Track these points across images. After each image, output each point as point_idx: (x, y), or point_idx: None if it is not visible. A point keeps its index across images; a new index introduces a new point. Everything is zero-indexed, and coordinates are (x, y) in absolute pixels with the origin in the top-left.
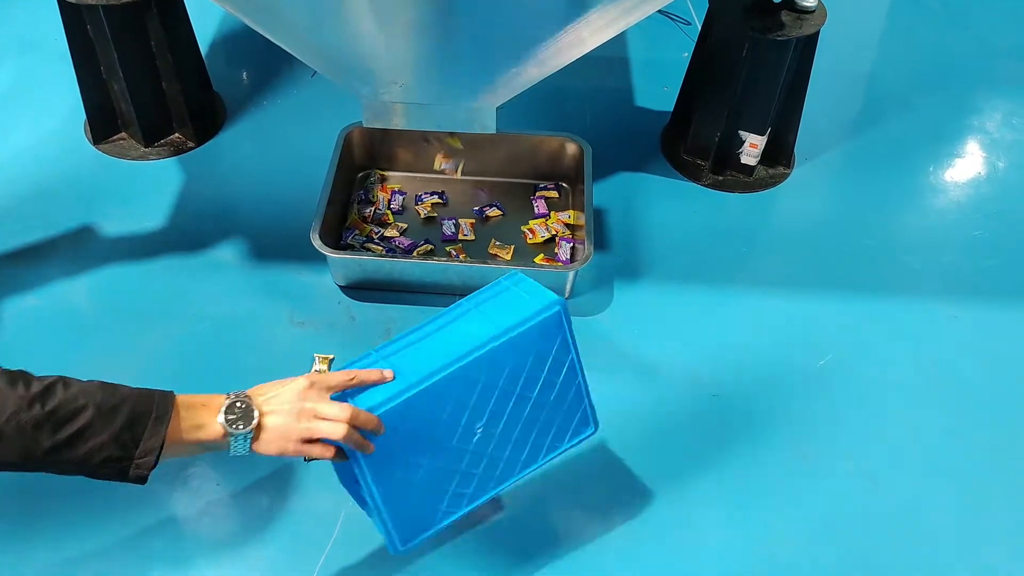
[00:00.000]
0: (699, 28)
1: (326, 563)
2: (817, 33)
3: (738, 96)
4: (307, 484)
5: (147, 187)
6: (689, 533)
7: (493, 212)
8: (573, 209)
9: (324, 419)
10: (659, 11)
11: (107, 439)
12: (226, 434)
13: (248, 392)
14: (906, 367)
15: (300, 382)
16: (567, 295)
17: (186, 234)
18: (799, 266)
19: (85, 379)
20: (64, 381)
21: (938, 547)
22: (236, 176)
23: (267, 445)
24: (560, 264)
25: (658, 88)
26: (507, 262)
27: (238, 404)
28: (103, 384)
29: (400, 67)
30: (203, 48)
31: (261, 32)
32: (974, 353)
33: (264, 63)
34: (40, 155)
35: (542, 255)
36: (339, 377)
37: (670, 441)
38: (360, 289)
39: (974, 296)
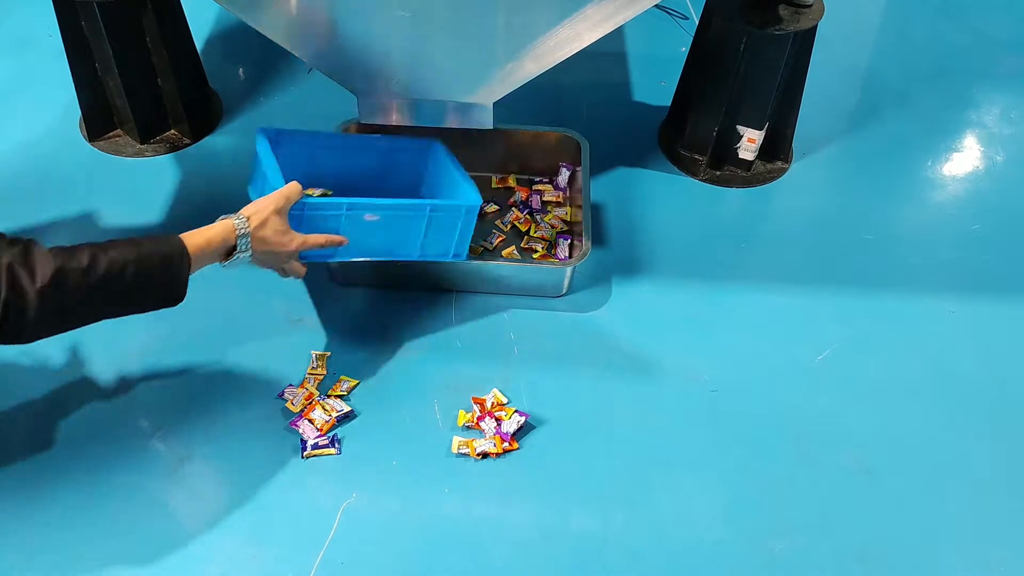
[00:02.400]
0: (696, 23)
1: (323, 561)
2: (815, 27)
3: (736, 91)
4: (306, 481)
5: (143, 184)
6: (687, 529)
7: (490, 208)
8: (570, 206)
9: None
10: (656, 6)
11: (151, 289)
12: (235, 231)
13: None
14: (904, 362)
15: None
16: (564, 291)
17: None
18: (797, 261)
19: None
20: (93, 249)
21: (937, 541)
22: (232, 173)
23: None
24: (557, 260)
25: (655, 83)
26: (504, 259)
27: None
28: (120, 247)
29: (395, 62)
30: (199, 44)
31: (256, 28)
32: (972, 347)
33: (260, 59)
34: (35, 153)
35: (540, 251)
36: (318, 239)
37: (669, 437)
38: (357, 287)
39: (972, 291)
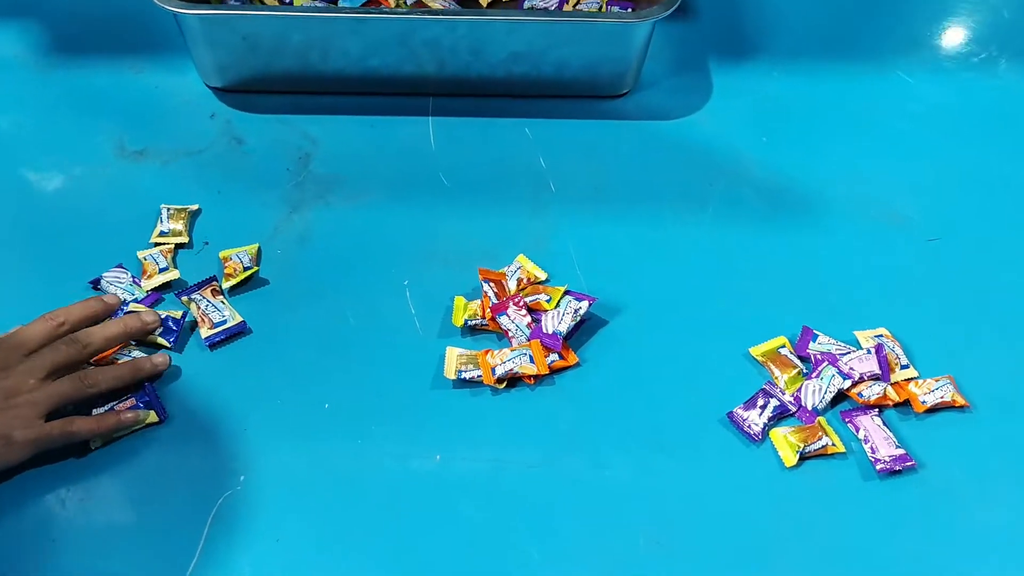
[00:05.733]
0: None
1: None
2: None
3: None
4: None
5: None
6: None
7: None
8: None
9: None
10: None
11: None
12: None
13: None
14: None
15: None
16: (632, 85)
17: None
18: (996, 28)
19: None
20: None
21: None
22: None
23: None
24: (628, 12)
25: None
26: (526, 12)
27: None
28: None
29: None
30: None
31: None
32: None
33: None
34: None
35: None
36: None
37: (872, 321)
38: (251, 93)
39: None
